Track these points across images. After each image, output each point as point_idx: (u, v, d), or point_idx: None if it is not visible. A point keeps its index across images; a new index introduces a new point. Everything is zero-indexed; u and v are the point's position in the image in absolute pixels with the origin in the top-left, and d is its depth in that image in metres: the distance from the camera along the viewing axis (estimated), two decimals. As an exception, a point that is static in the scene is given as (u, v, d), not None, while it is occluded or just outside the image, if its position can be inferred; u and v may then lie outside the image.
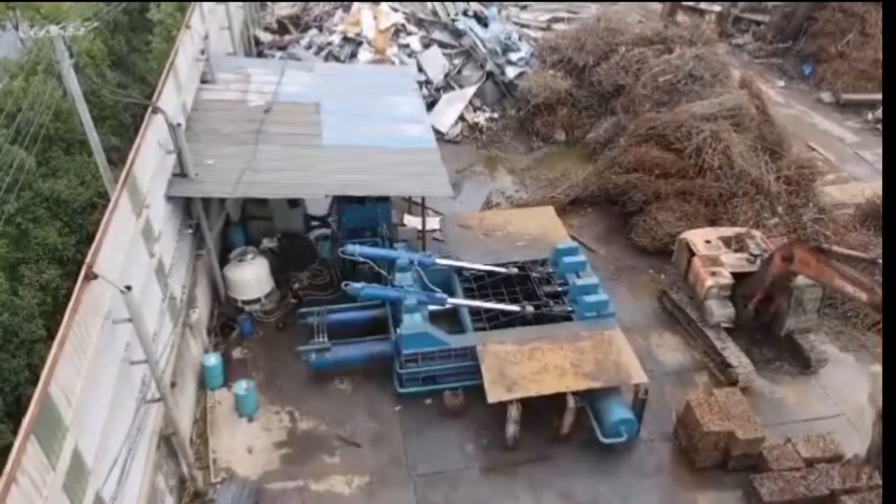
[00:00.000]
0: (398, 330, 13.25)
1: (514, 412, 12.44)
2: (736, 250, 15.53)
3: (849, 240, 17.16)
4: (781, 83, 28.35)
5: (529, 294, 14.82)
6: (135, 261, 11.21)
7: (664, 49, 21.00)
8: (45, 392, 7.52)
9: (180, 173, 14.11)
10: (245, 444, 13.13)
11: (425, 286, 13.95)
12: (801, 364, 14.68)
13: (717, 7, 31.22)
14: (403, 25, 27.30)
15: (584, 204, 19.94)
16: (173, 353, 12.45)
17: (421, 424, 13.57)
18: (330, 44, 26.65)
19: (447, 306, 13.98)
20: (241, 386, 13.60)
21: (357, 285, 13.43)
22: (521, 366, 13.01)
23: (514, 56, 24.87)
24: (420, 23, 27.82)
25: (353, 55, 26.35)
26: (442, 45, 26.24)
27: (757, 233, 16.03)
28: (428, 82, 25.07)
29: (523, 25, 29.78)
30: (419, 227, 17.51)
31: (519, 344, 13.45)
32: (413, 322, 13.22)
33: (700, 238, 15.97)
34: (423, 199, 16.41)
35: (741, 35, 31.88)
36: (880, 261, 11.31)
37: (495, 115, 24.48)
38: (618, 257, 18.24)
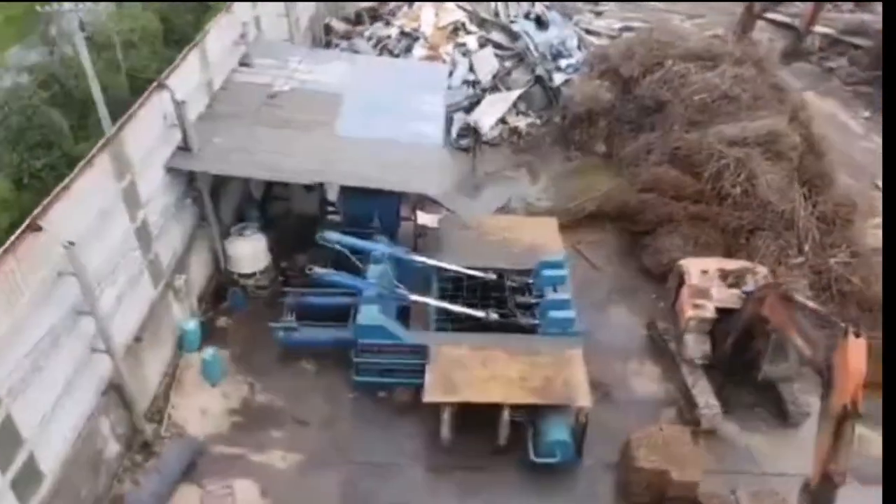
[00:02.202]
0: (355, 319, 13.53)
1: (446, 415, 12.42)
2: (731, 285, 14.59)
3: (876, 291, 15.69)
4: (867, 114, 26.18)
5: (503, 302, 14.66)
6: (109, 221, 12.11)
7: (712, 66, 19.91)
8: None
9: (184, 147, 15.00)
10: (202, 406, 13.90)
11: (393, 280, 14.11)
12: (780, 415, 13.66)
13: (821, 29, 29.20)
14: (463, 24, 27.46)
15: (604, 220, 19.34)
16: (145, 311, 13.34)
17: (370, 415, 13.82)
18: (388, 37, 27.24)
19: (408, 303, 14.08)
20: (209, 352, 14.39)
21: (321, 270, 13.84)
22: (470, 371, 12.95)
23: (563, 62, 24.41)
24: (482, 23, 27.89)
25: (409, 50, 26.81)
26: (497, 46, 26.21)
27: (762, 269, 15.00)
28: (476, 82, 25.14)
29: (593, 32, 29.14)
30: (429, 223, 17.70)
31: (474, 349, 13.38)
32: (369, 313, 13.46)
33: (697, 267, 15.14)
34: (421, 196, 16.59)
35: (836, 59, 29.68)
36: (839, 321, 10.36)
37: (538, 121, 24.15)
38: (621, 278, 17.63)
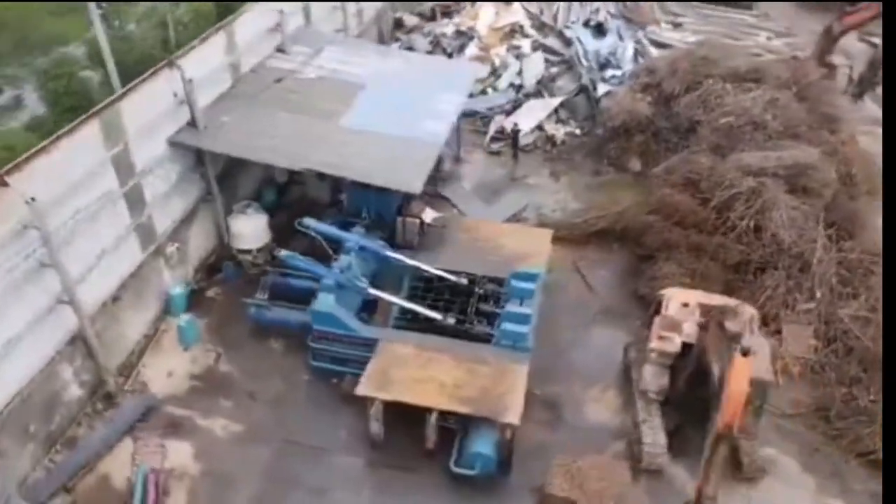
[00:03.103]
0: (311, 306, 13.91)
1: (374, 410, 12.54)
2: (709, 321, 13.73)
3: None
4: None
5: (467, 307, 14.56)
6: (94, 183, 13.11)
7: (755, 88, 18.65)
8: None
9: (191, 123, 15.93)
10: (170, 368, 14.78)
11: (356, 272, 14.32)
12: (733, 465, 12.72)
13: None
14: (521, 27, 27.20)
15: (613, 239, 18.65)
16: (127, 272, 14.35)
17: (318, 399, 14.17)
18: (444, 35, 27.43)
19: (368, 296, 14.26)
20: (185, 318, 15.26)
21: (288, 253, 14.30)
22: (408, 371, 12.99)
23: (610, 72, 23.65)
24: (541, 27, 27.51)
25: (462, 49, 26.92)
26: (550, 51, 25.76)
27: (749, 309, 13.95)
28: (521, 86, 24.88)
29: (663, 45, 27.96)
30: (433, 221, 17.83)
31: (420, 350, 13.40)
32: (325, 301, 13.77)
33: (680, 298, 14.34)
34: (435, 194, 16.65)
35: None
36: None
37: (578, 132, 23.55)
38: (614, 301, 16.95)
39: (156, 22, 20.39)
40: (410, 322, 14.39)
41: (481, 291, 14.76)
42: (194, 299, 16.37)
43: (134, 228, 14.67)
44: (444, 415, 12.47)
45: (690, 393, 12.85)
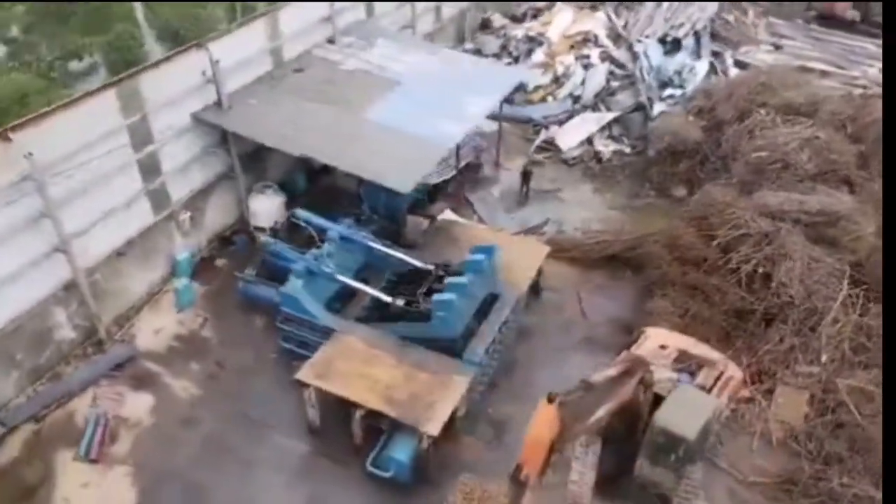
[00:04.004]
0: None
1: (308, 396, 12.89)
2: (678, 370, 12.86)
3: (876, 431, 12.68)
4: None
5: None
6: (105, 147, 14.38)
7: (805, 122, 17.00)
8: None
9: (217, 102, 16.99)
10: (158, 326, 15.94)
11: (328, 260, 14.66)
12: (663, 521, 11.87)
13: None
14: (595, 37, 26.37)
15: (625, 266, 17.78)
16: (133, 231, 15.63)
17: (278, 378, 14.69)
18: (514, 39, 27.15)
19: (334, 280, 14.49)
20: (182, 282, 16.39)
21: (270, 239, 14.96)
22: (350, 364, 13.22)
23: (669, 91, 22.40)
24: (617, 38, 26.54)
25: (529, 54, 26.54)
26: (616, 63, 24.80)
27: (733, 368, 13.00)
28: (578, 97, 24.21)
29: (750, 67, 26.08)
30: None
31: (370, 346, 13.58)
32: (292, 284, 14.27)
33: (660, 339, 13.58)
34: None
35: None
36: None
37: (627, 150, 22.59)
38: (603, 330, 16.21)
39: (228, 6, 21.78)
40: (377, 316, 14.49)
41: (440, 273, 14.47)
42: (201, 267, 17.49)
43: (146, 193, 15.93)
44: (373, 414, 12.57)
45: (632, 436, 12.10)
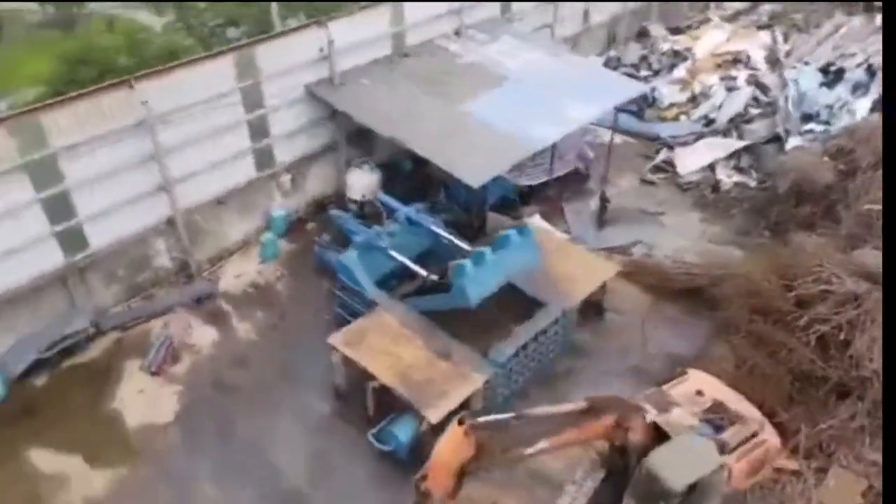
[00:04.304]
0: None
1: (335, 359, 13.63)
2: (710, 420, 11.93)
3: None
4: None
5: None
6: (219, 104, 16.11)
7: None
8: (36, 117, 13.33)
9: (330, 78, 18.24)
10: (241, 271, 17.59)
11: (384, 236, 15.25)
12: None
13: None
14: (748, 58, 24.52)
15: (704, 304, 16.56)
16: (233, 183, 17.34)
17: (325, 340, 15.58)
18: (661, 51, 25.98)
19: (389, 258, 15.01)
20: (268, 236, 17.91)
21: (337, 211, 16.00)
22: (381, 339, 13.74)
23: (810, 126, 20.28)
24: (775, 62, 24.48)
25: (671, 68, 25.31)
26: (762, 88, 22.91)
27: (770, 432, 11.88)
28: (712, 121, 22.76)
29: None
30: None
31: (404, 325, 14.01)
32: (349, 255, 15.08)
33: (699, 384, 12.70)
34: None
35: None
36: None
37: (752, 183, 20.87)
38: (657, 365, 15.24)
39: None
40: (419, 296, 14.78)
41: None
42: (295, 226, 18.93)
43: (252, 151, 17.58)
44: (387, 390, 13.03)
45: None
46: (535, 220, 19.37)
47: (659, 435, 11.18)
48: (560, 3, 24.96)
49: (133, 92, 14.51)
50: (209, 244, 17.62)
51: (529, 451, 9.02)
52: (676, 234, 19.47)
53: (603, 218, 19.67)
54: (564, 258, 16.02)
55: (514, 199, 19.76)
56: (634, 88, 20.58)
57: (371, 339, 13.78)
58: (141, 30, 22.26)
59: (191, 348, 15.45)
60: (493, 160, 16.47)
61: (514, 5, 23.45)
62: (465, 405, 13.02)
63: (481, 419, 8.53)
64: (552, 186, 20.76)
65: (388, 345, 13.63)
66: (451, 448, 8.20)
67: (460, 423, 8.36)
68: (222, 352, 15.43)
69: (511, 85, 19.32)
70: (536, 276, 15.34)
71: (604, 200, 19.74)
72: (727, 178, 20.93)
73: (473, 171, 15.90)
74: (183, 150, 15.86)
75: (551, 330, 14.45)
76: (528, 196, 20.25)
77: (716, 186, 20.90)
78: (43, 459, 13.05)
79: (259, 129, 17.52)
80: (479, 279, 13.18)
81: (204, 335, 15.75)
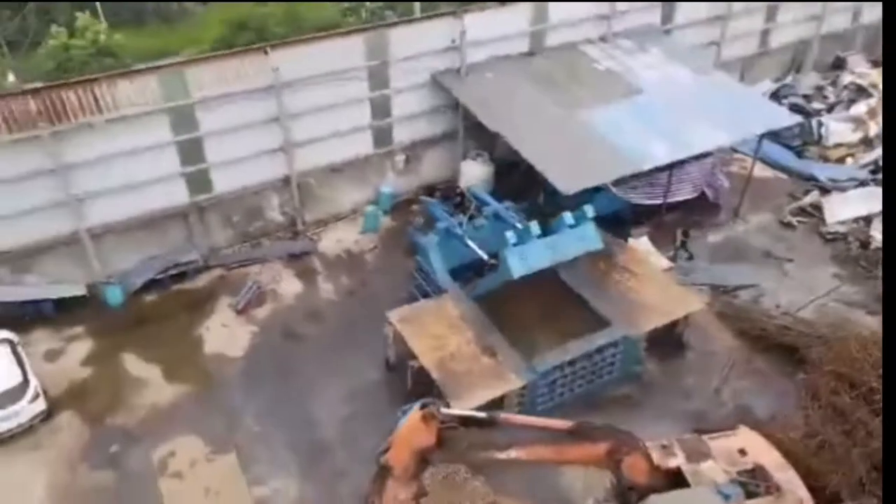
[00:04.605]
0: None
1: (387, 332, 14.15)
2: (743, 482, 10.83)
3: None
4: None
5: None
6: (344, 79, 17.26)
7: None
8: (182, 71, 15.25)
9: (457, 69, 18.71)
10: (341, 237, 18.76)
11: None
12: None
13: None
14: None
15: (796, 364, 14.84)
16: (350, 155, 18.52)
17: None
18: (841, 84, 23.27)
19: (465, 242, 15.18)
20: (371, 209, 18.90)
21: (428, 198, 16.52)
22: (435, 323, 13.97)
23: None
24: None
25: (850, 105, 22.63)
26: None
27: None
28: (878, 169, 20.13)
29: None
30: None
31: (460, 318, 14.15)
32: (429, 239, 15.49)
33: (744, 443, 11.43)
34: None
35: None
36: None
37: (910, 245, 18.11)
38: (723, 414, 14.01)
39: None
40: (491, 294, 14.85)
41: None
42: (400, 205, 19.76)
43: (371, 128, 18.61)
44: (425, 372, 13.30)
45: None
46: (641, 242, 18.49)
47: (678, 481, 10.43)
48: (731, 21, 23.28)
49: (267, 58, 16.02)
50: (319, 207, 18.96)
51: (501, 456, 8.84)
52: (799, 285, 17.49)
53: (683, 251, 18.30)
54: (649, 284, 15.18)
55: (623, 215, 18.95)
56: (782, 120, 18.71)
57: (426, 321, 14.10)
58: (302, 5, 24.13)
59: (275, 296, 16.81)
60: (593, 171, 15.99)
61: (680, 15, 22.27)
62: (497, 405, 12.96)
63: (447, 411, 8.50)
64: (673, 211, 19.57)
65: (440, 330, 13.85)
66: (408, 429, 8.29)
67: (422, 407, 8.41)
68: (301, 304, 16.63)
69: (642, 98, 18.54)
70: (612, 294, 14.80)
71: (685, 235, 18.36)
72: (877, 234, 18.35)
73: (568, 177, 15.53)
74: (306, 116, 17.21)
75: (609, 352, 13.79)
76: (643, 216, 19.29)
77: (865, 242, 18.44)
78: (133, 364, 15.02)
79: (381, 108, 18.48)
80: (524, 254, 13.26)
81: (290, 287, 17.07)
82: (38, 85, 14.81)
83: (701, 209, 19.92)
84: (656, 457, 11.18)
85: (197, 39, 21.55)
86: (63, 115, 14.47)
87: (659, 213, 19.31)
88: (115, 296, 16.21)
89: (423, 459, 8.58)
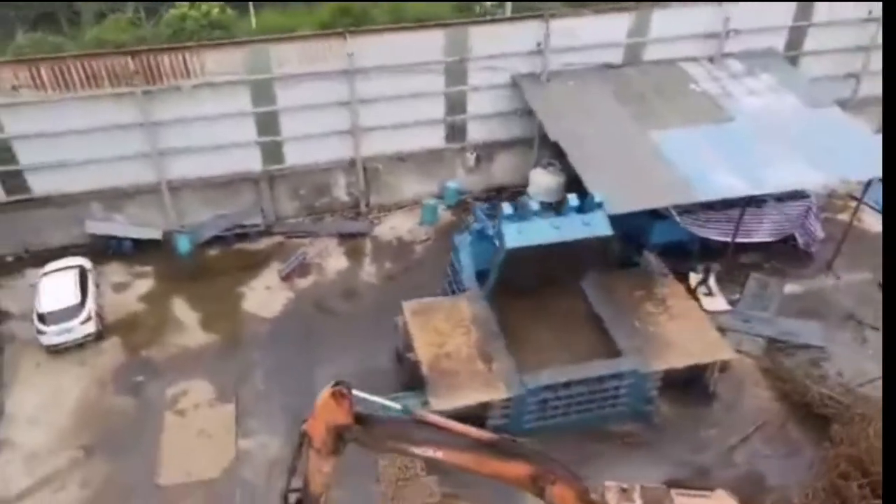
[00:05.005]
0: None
1: (399, 321, 14.40)
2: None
3: None
4: None
5: None
6: (419, 71, 17.63)
7: None
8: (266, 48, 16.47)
9: (538, 74, 18.42)
10: (398, 224, 19.26)
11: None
12: None
13: None
14: None
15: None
16: (416, 146, 18.95)
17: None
18: None
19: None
20: (431, 202, 19.19)
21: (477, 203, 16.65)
22: (444, 320, 14.04)
23: None
24: None
25: None
26: None
27: None
28: None
29: None
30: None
31: (471, 319, 14.07)
32: (462, 237, 15.45)
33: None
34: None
35: None
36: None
37: None
38: (731, 476, 12.78)
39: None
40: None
41: None
42: (463, 202, 19.86)
43: (444, 122, 18.87)
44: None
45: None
46: (709, 282, 17.11)
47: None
48: (875, 53, 20.73)
49: (345, 43, 16.79)
50: (383, 193, 19.58)
51: (417, 451, 8.76)
52: (875, 356, 15.35)
53: (703, 287, 16.87)
54: (681, 322, 14.18)
55: (691, 247, 17.70)
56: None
57: (435, 316, 14.18)
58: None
59: (320, 269, 17.66)
60: (643, 194, 15.14)
61: (811, 41, 20.25)
62: (481, 412, 12.82)
63: (357, 393, 8.54)
64: (750, 251, 17.96)
65: (445, 328, 13.89)
66: (321, 404, 8.45)
67: (335, 384, 8.52)
68: (340, 281, 17.36)
69: (732, 126, 17.23)
70: (635, 324, 14.01)
71: (707, 271, 16.90)
72: None
73: (616, 196, 14.73)
74: (377, 103, 17.82)
75: (612, 383, 13.07)
76: (715, 252, 17.85)
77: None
78: (179, 307, 16.53)
79: (457, 104, 18.67)
80: (523, 228, 12.96)
81: (336, 263, 17.86)
82: (139, 48, 16.61)
83: (787, 255, 18.12)
84: (612, 496, 10.59)
85: (303, 23, 22.99)
86: (157, 76, 16.15)
87: (736, 252, 17.80)
88: (183, 245, 17.87)
89: (339, 437, 8.73)
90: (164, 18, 23.45)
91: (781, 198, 17.05)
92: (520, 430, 13.03)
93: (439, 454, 8.80)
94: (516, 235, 12.89)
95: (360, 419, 8.69)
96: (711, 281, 17.07)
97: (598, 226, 13.14)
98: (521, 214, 13.21)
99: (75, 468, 13.02)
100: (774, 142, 16.67)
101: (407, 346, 14.10)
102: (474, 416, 12.69)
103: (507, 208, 13.16)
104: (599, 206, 13.29)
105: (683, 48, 19.28)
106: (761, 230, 17.51)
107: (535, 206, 13.34)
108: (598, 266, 14.45)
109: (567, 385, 12.88)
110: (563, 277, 14.26)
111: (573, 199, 13.26)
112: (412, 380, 13.80)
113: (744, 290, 17.24)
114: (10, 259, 17.68)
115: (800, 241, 18.11)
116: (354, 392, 8.45)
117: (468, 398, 12.54)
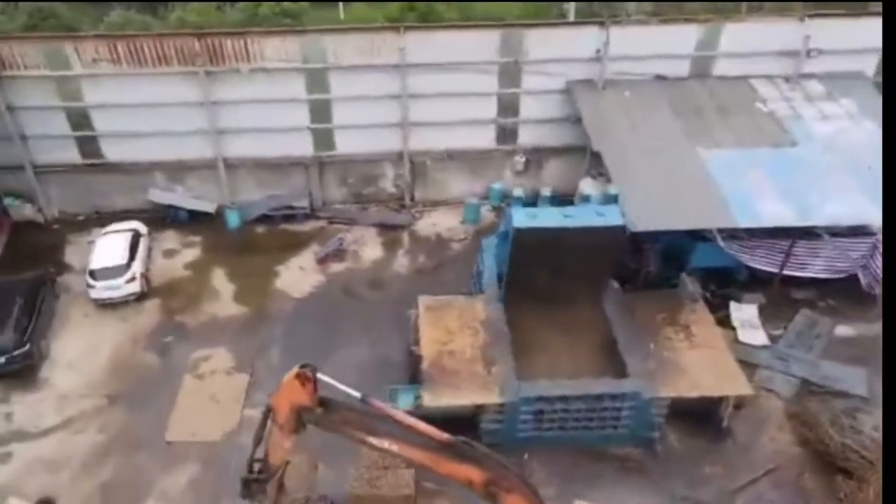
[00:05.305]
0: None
1: (412, 314, 14.55)
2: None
3: None
4: None
5: None
6: (470, 68, 17.64)
7: None
8: (322, 38, 17.03)
9: (594, 80, 17.99)
10: (438, 221, 19.43)
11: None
12: None
13: None
14: None
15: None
16: (467, 145, 19.01)
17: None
18: None
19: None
20: (473, 201, 19.22)
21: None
22: (455, 318, 14.11)
23: None
24: None
25: None
26: None
27: None
28: None
29: None
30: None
31: (482, 317, 14.08)
32: (489, 240, 15.45)
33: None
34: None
35: None
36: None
37: None
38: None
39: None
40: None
41: None
42: (505, 202, 19.72)
43: (495, 123, 18.82)
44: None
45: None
46: (745, 310, 16.22)
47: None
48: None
49: (399, 38, 17.09)
50: (430, 188, 19.78)
51: (373, 442, 8.91)
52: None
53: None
54: (700, 351, 13.56)
55: (736, 275, 16.79)
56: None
57: (448, 314, 14.24)
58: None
59: (355, 256, 18.11)
60: (679, 214, 14.53)
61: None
62: (473, 415, 12.79)
63: (321, 377, 8.73)
64: (801, 286, 16.80)
65: (455, 326, 13.94)
66: (286, 384, 8.74)
67: (301, 367, 8.77)
68: (372, 269, 17.74)
69: (793, 151, 16.26)
70: (649, 347, 13.49)
71: (712, 295, 15.94)
72: None
73: (644, 213, 14.26)
74: (427, 99, 18.02)
75: (612, 403, 12.65)
76: (764, 283, 16.82)
77: None
78: (218, 278, 17.46)
79: (508, 106, 18.57)
80: (533, 213, 13.41)
81: (371, 252, 18.25)
82: (205, 30, 17.57)
83: (846, 295, 16.80)
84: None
85: (371, 17, 23.47)
86: (219, 58, 17.09)
87: (781, 282, 16.71)
88: (233, 220, 18.83)
89: (299, 417, 9.02)
90: (240, 5, 24.67)
91: (840, 233, 15.81)
92: (513, 439, 12.95)
93: (395, 448, 8.93)
94: (525, 219, 13.11)
95: (323, 403, 8.94)
96: (753, 312, 16.14)
97: (610, 216, 12.93)
98: (534, 203, 13.21)
99: (97, 414, 14.07)
100: (838, 172, 15.54)
101: (415, 339, 14.25)
102: (468, 417, 12.76)
103: (523, 199, 13.22)
104: (615, 199, 13.01)
105: (758, 65, 18.24)
106: (815, 266, 16.31)
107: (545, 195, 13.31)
108: (613, 265, 14.02)
109: (564, 399, 12.59)
110: (578, 278, 13.75)
111: (587, 183, 13.11)
112: (416, 374, 13.94)
113: (789, 326, 16.16)
114: (81, 218, 19.26)
115: (862, 281, 16.73)
116: (319, 376, 8.72)
117: (461, 398, 12.54)
